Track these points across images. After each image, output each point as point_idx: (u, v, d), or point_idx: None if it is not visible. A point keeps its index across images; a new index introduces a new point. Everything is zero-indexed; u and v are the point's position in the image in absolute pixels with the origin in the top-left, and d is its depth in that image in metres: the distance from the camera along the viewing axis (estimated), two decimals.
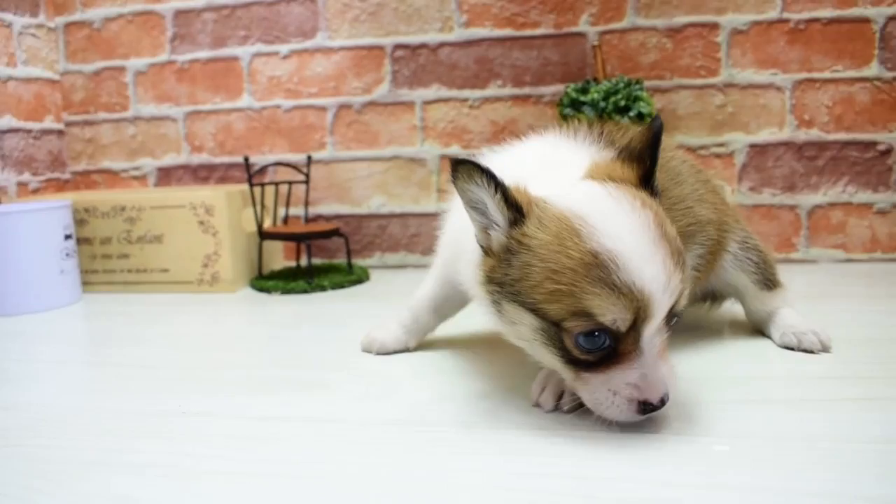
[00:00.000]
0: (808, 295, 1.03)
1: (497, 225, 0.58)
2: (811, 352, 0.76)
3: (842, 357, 0.74)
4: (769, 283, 0.82)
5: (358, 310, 1.06)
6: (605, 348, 0.54)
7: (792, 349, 0.78)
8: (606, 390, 0.55)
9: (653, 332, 0.54)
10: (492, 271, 0.59)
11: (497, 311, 0.60)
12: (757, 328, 0.84)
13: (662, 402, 0.54)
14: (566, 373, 0.58)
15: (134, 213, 1.24)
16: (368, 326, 0.86)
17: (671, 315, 0.56)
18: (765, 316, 0.83)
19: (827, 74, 1.26)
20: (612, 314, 0.52)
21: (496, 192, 0.56)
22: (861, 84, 1.25)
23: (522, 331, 0.58)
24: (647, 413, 0.55)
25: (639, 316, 0.53)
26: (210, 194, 1.22)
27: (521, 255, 0.56)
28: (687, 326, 0.88)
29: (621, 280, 0.52)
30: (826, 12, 1.24)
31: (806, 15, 1.25)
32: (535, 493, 0.48)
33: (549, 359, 0.58)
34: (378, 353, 0.83)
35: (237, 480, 0.52)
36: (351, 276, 1.25)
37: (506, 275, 0.57)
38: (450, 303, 0.81)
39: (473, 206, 0.58)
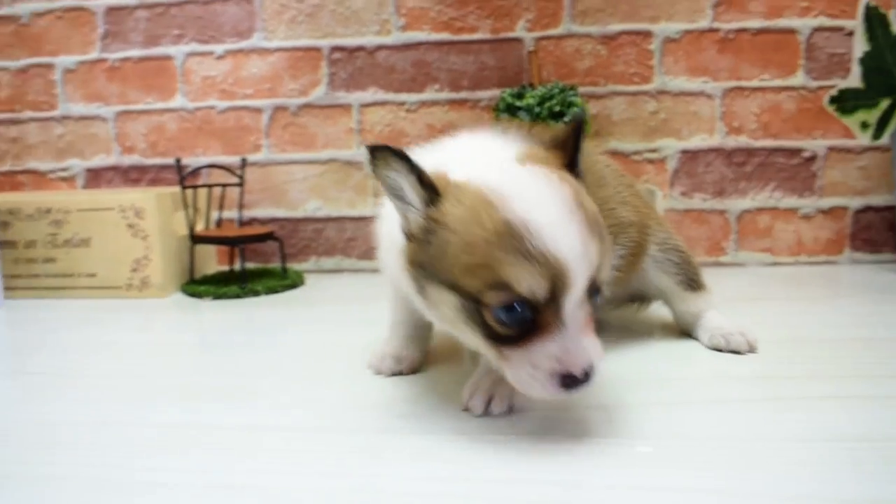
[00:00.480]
0: (737, 297, 1.05)
1: (414, 207, 0.57)
2: (739, 352, 0.78)
3: (768, 357, 0.76)
4: (692, 284, 0.84)
5: (292, 315, 1.05)
6: (525, 322, 0.53)
7: (720, 350, 0.79)
8: (528, 365, 0.54)
9: (574, 304, 0.53)
10: (413, 255, 0.58)
11: (421, 295, 0.59)
12: (685, 331, 0.86)
13: (587, 375, 0.53)
14: (490, 352, 0.57)
15: (60, 216, 1.21)
16: (303, 332, 0.84)
17: (593, 289, 0.55)
18: (691, 318, 0.84)
19: (755, 83, 1.29)
20: (527, 283, 0.51)
21: (411, 173, 0.56)
22: (787, 93, 1.29)
23: (445, 311, 0.57)
24: (571, 389, 0.53)
25: (556, 285, 0.52)
26: (140, 197, 1.19)
27: (438, 233, 0.55)
28: (615, 328, 0.89)
29: (535, 248, 0.51)
30: (755, 23, 1.28)
31: (735, 25, 1.28)
32: (457, 497, 0.48)
33: (472, 338, 0.57)
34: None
35: (159, 492, 0.51)
36: (285, 281, 1.23)
37: (425, 255, 0.57)
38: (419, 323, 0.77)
39: (393, 193, 0.58)
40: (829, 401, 0.63)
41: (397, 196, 0.58)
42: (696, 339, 0.84)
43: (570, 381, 0.53)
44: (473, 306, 0.55)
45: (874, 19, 1.15)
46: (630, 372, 0.73)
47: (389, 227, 0.65)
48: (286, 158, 1.37)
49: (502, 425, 0.60)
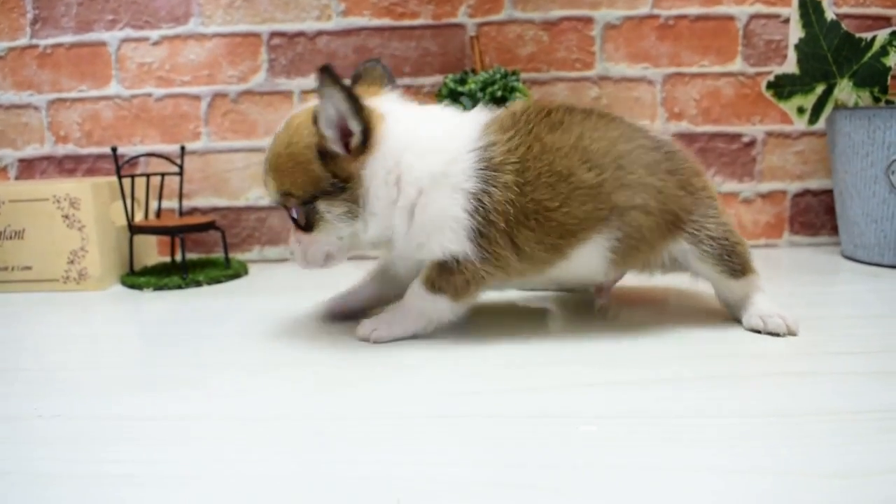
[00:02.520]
0: (679, 281, 1.06)
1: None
2: (777, 335, 0.78)
3: (730, 337, 0.78)
4: (736, 271, 0.82)
5: (235, 305, 1.04)
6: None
7: (758, 332, 0.80)
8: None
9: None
10: None
11: None
12: (728, 312, 0.86)
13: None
14: None
15: None
16: (247, 322, 0.84)
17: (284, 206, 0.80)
18: (735, 302, 0.84)
19: (695, 69, 1.31)
20: None
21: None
22: (726, 79, 1.31)
23: None
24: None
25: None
26: (75, 186, 1.16)
27: None
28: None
29: None
30: (693, 9, 1.29)
31: (675, 12, 1.29)
32: (415, 481, 0.48)
33: None
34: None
35: (104, 484, 0.49)
36: (228, 271, 1.21)
37: None
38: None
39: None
40: (776, 377, 0.65)
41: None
42: (737, 320, 0.83)
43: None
44: None
45: (809, 6, 1.17)
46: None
47: None
48: (226, 146, 1.35)
49: (473, 402, 0.60)
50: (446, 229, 0.76)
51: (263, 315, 0.97)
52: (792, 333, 0.78)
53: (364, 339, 0.81)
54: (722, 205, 0.84)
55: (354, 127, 0.75)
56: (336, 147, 0.76)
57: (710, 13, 1.29)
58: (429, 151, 0.77)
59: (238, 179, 1.35)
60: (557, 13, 1.30)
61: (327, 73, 0.72)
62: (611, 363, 0.72)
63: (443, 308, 0.80)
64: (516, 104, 0.83)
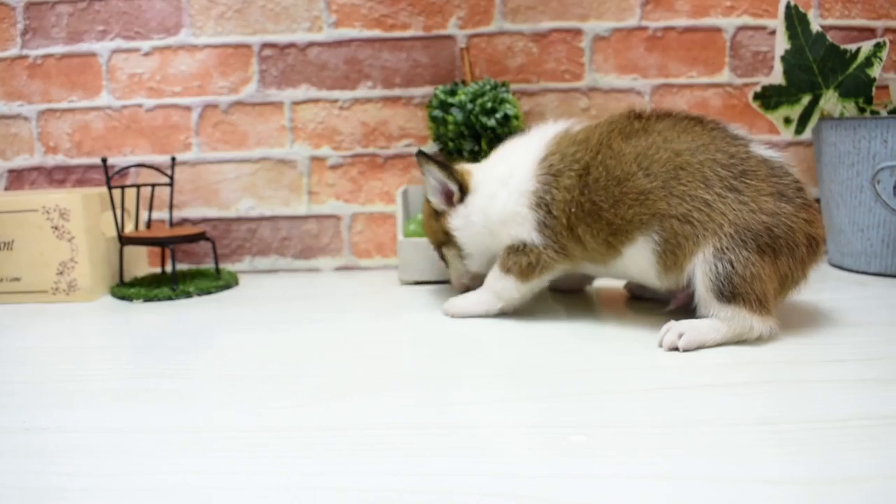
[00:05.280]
0: None
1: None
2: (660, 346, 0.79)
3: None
4: (725, 295, 0.79)
5: (226, 316, 1.03)
6: None
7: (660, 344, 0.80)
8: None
9: None
10: None
11: None
12: None
13: None
14: None
15: None
16: (237, 332, 0.84)
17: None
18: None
19: (683, 80, 1.32)
20: None
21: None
22: (714, 89, 1.32)
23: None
24: None
25: None
26: (65, 197, 1.16)
27: None
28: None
29: None
30: (681, 21, 1.30)
31: (663, 23, 1.30)
32: (400, 493, 0.48)
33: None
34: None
35: (81, 497, 0.49)
36: (218, 282, 1.21)
37: None
38: None
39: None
40: (764, 385, 0.65)
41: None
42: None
43: None
44: None
45: (795, 18, 1.18)
46: (572, 362, 0.75)
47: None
48: (217, 157, 1.35)
49: (437, 419, 0.60)
50: (512, 222, 0.92)
51: (254, 326, 0.97)
52: (672, 348, 0.79)
53: (445, 313, 0.98)
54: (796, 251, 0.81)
55: (452, 187, 0.97)
56: (444, 207, 1.00)
57: (697, 25, 1.30)
58: (499, 174, 0.95)
59: (229, 190, 1.35)
60: (547, 25, 1.31)
61: (422, 155, 0.97)
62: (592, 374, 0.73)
63: (510, 287, 0.94)
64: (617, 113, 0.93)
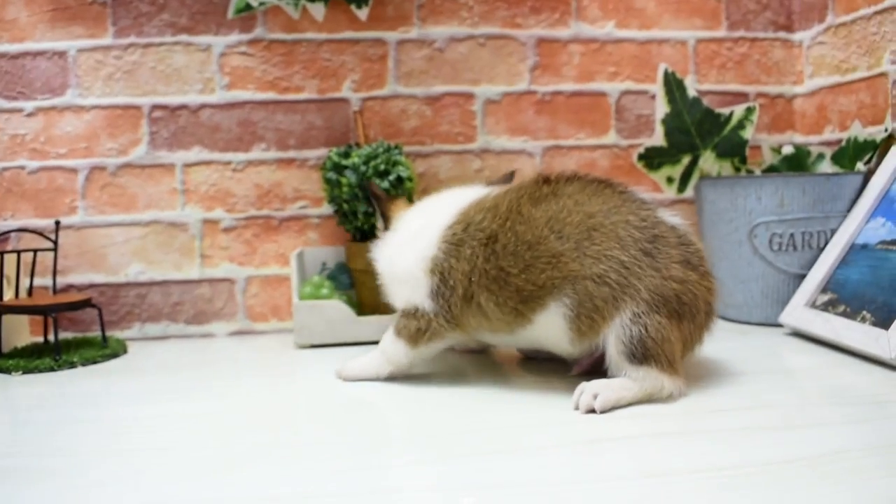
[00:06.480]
0: None
1: None
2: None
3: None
4: (637, 357, 0.81)
5: (113, 387, 0.99)
6: None
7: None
8: None
9: None
10: None
11: None
12: None
13: None
14: None
15: None
16: (125, 404, 0.80)
17: None
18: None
19: (571, 142, 1.36)
20: None
21: None
22: (601, 150, 1.37)
23: None
24: None
25: None
26: None
27: None
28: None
29: None
30: (568, 86, 1.35)
31: (551, 88, 1.35)
32: None
33: None
34: None
35: None
36: (105, 351, 1.16)
37: None
38: None
39: None
40: (649, 438, 0.67)
41: None
42: None
43: None
44: None
45: (672, 84, 1.25)
46: (467, 422, 0.75)
47: None
48: (105, 221, 1.31)
49: (329, 487, 0.59)
50: (407, 284, 0.91)
51: (143, 396, 0.93)
52: (589, 410, 0.78)
53: (338, 377, 0.96)
54: (696, 305, 0.83)
55: (381, 218, 1.03)
56: (380, 232, 1.04)
57: (583, 90, 1.36)
58: (412, 230, 0.95)
59: (117, 255, 1.31)
60: (440, 89, 1.34)
61: (368, 181, 1.09)
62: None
63: (400, 352, 0.92)
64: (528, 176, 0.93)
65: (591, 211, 0.84)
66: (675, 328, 0.82)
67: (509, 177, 1.08)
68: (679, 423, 0.74)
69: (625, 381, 0.81)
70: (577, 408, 0.79)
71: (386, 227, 1.00)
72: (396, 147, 1.21)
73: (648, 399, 0.81)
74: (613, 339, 0.82)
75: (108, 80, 1.30)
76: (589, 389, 0.80)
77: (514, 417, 0.79)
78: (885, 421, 0.74)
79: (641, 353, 0.80)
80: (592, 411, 0.78)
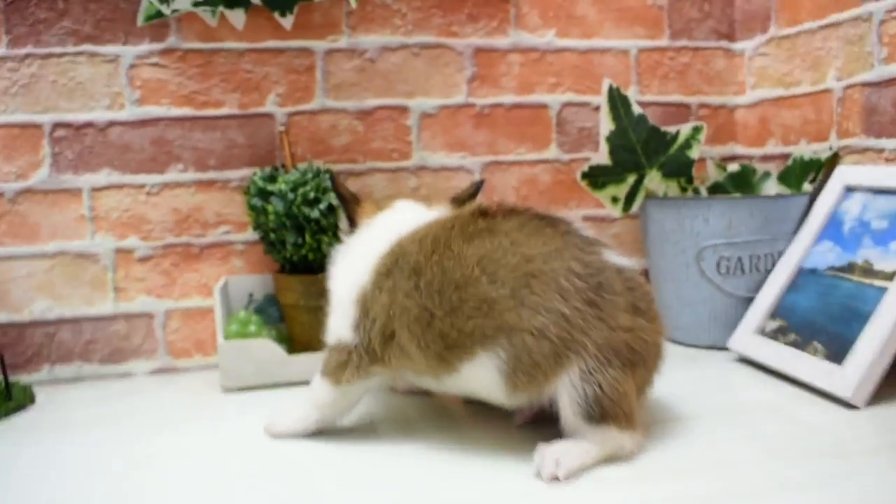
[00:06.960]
0: None
1: None
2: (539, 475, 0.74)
3: None
4: (594, 417, 0.75)
5: (18, 451, 0.88)
6: None
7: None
8: None
9: None
10: None
11: None
12: None
13: None
14: None
15: None
16: (34, 472, 0.71)
17: None
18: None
19: (512, 157, 1.30)
20: None
21: None
22: (542, 165, 1.31)
23: None
24: None
25: None
26: None
27: None
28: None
29: None
30: (507, 98, 1.29)
31: (490, 100, 1.28)
32: None
33: None
34: None
35: None
36: (9, 404, 1.05)
37: None
38: None
39: None
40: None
41: None
42: None
43: None
44: None
45: (618, 100, 1.19)
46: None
47: None
48: (4, 253, 1.18)
49: None
50: (336, 312, 0.86)
51: (55, 460, 0.84)
52: (553, 478, 0.73)
53: (266, 433, 0.88)
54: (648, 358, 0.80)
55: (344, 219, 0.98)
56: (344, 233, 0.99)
57: (523, 102, 1.29)
58: (359, 252, 0.88)
59: (20, 291, 1.19)
60: (372, 102, 1.25)
61: (333, 179, 1.02)
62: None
63: (324, 391, 0.85)
64: (472, 206, 0.85)
65: (529, 254, 0.77)
66: (629, 379, 0.77)
67: (474, 191, 1.02)
68: (641, 490, 0.70)
69: (585, 445, 0.76)
70: (539, 475, 0.74)
71: (351, 230, 0.95)
72: (327, 171, 1.12)
73: (610, 460, 0.77)
74: (567, 399, 0.76)
75: (3, 95, 1.17)
76: (549, 455, 0.74)
77: (468, 484, 0.73)
78: (850, 481, 0.71)
79: (599, 414, 0.75)
80: (556, 478, 0.73)
